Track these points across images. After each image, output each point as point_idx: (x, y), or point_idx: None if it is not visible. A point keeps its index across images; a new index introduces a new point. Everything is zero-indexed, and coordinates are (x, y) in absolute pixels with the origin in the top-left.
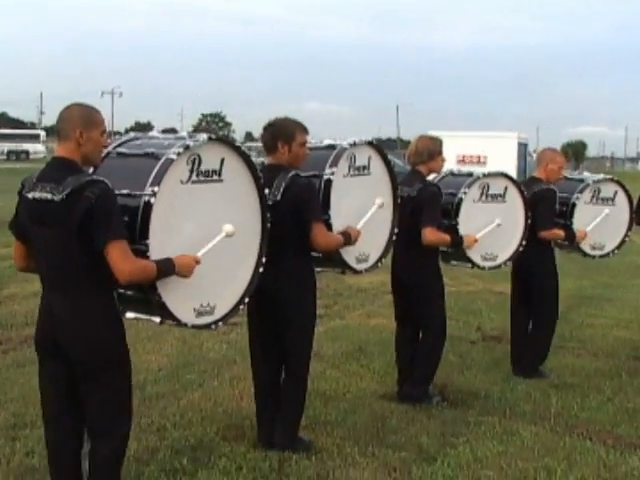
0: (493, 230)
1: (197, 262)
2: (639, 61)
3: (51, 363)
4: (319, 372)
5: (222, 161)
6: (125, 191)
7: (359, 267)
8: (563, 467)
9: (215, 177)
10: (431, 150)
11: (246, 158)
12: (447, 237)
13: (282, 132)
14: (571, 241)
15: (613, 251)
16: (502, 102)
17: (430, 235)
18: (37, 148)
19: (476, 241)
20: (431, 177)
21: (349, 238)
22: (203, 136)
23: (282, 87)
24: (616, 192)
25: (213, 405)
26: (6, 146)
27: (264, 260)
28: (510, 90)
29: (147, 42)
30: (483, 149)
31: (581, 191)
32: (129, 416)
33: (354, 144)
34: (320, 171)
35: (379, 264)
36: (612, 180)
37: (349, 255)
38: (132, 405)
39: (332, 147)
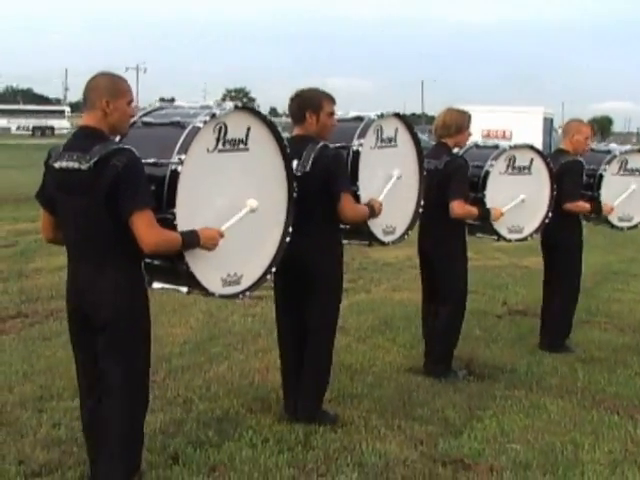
0: (518, 204)
1: (221, 236)
2: None
3: (80, 333)
4: (344, 346)
5: (248, 130)
6: (151, 160)
7: (386, 239)
8: (590, 441)
9: (241, 146)
10: (459, 123)
11: (272, 127)
12: (475, 210)
13: (310, 102)
14: (597, 214)
15: None
16: (527, 77)
17: (458, 208)
18: (62, 124)
19: (502, 214)
20: (455, 150)
21: (373, 210)
22: (229, 104)
23: (306, 62)
24: None
25: (239, 378)
26: (32, 122)
27: (291, 230)
28: (536, 65)
29: (171, 18)
30: (508, 124)
31: (608, 162)
32: (147, 388)
33: (381, 116)
34: (348, 142)
35: (406, 236)
36: (639, 151)
37: (376, 227)
38: (148, 376)
39: (360, 119)
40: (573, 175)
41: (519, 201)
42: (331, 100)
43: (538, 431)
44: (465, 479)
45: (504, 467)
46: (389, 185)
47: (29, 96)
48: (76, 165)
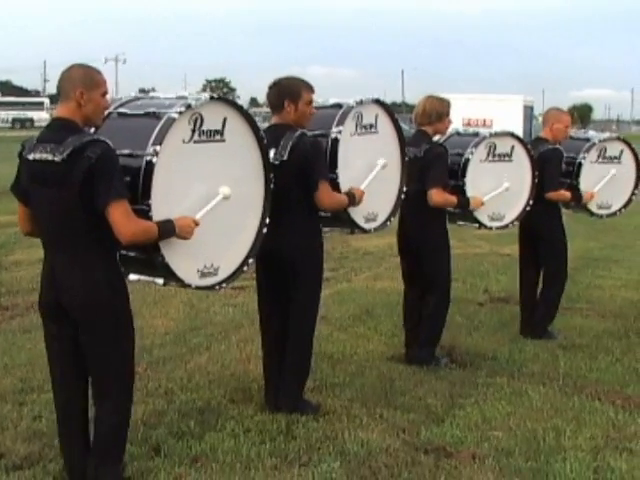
0: (501, 192)
1: (196, 224)
2: None
3: (55, 326)
4: (326, 335)
5: (224, 121)
6: (126, 151)
7: (368, 226)
8: (572, 427)
9: (217, 137)
10: (439, 111)
11: (248, 118)
12: (454, 198)
13: (288, 90)
14: (578, 201)
15: (620, 210)
16: (507, 65)
17: (436, 196)
18: (42, 116)
19: (482, 204)
20: (436, 138)
21: (353, 198)
22: (205, 95)
23: (286, 52)
24: (622, 151)
25: (220, 368)
26: (11, 114)
27: (268, 221)
28: (515, 53)
29: (150, 9)
30: (489, 112)
31: (587, 150)
32: (131, 379)
33: (361, 102)
34: (327, 130)
35: (388, 223)
36: (618, 139)
37: (358, 214)
38: (134, 369)
39: (338, 106)
40: (553, 163)
41: (503, 189)
42: (310, 89)
43: (520, 418)
44: (447, 467)
45: (486, 454)
46: (373, 174)
47: (8, 88)
48: (50, 157)
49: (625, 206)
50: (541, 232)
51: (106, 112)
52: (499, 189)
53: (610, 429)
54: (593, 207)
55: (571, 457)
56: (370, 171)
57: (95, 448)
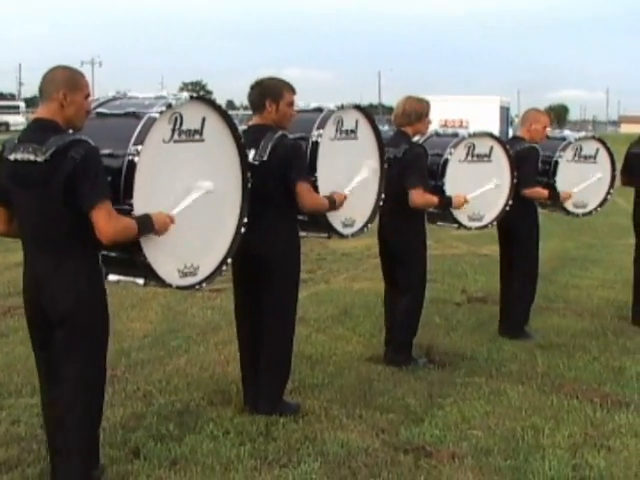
0: (487, 190)
1: (171, 220)
2: (619, 24)
3: (41, 330)
4: (304, 336)
5: (203, 120)
6: (107, 151)
7: (345, 231)
8: (550, 426)
9: (196, 137)
10: (419, 111)
11: (227, 118)
12: (434, 199)
13: (270, 91)
14: (555, 200)
15: (596, 209)
16: (483, 67)
17: (417, 197)
18: (17, 120)
19: (466, 201)
20: (415, 138)
21: (334, 203)
22: (185, 95)
23: (262, 54)
24: (597, 150)
25: (199, 370)
26: None
27: (246, 221)
28: (492, 55)
29: (127, 12)
30: (465, 113)
31: (563, 149)
32: (100, 385)
33: (341, 107)
34: (307, 133)
35: (365, 229)
36: (593, 138)
37: (335, 219)
38: (106, 371)
39: (319, 110)
40: (529, 162)
41: (492, 186)
42: (291, 90)
43: (499, 417)
44: (427, 466)
45: (465, 453)
46: (357, 180)
47: None
48: (32, 157)
49: (601, 205)
50: (516, 231)
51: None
52: (485, 186)
53: (588, 427)
54: (569, 206)
55: (550, 455)
56: (351, 176)
57: (63, 449)
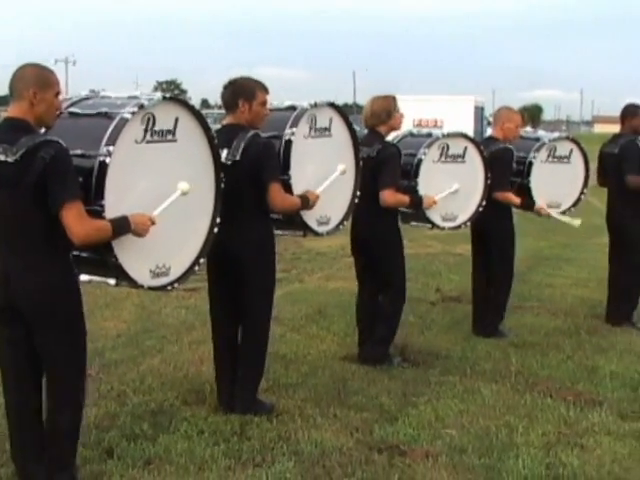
0: (453, 193)
1: (152, 222)
2: (593, 24)
3: (8, 328)
4: (279, 335)
5: (176, 121)
6: (79, 151)
7: (320, 230)
8: (524, 424)
9: (169, 137)
10: (387, 109)
11: (200, 118)
12: (406, 198)
13: (243, 90)
14: (528, 208)
15: (569, 209)
16: (458, 67)
17: (388, 197)
18: None
19: (435, 203)
20: (390, 137)
21: (307, 202)
22: (157, 95)
23: (237, 53)
24: (571, 150)
25: (173, 370)
26: None
27: (219, 221)
28: (466, 54)
29: (101, 11)
30: (440, 113)
31: (537, 149)
32: (84, 383)
33: (315, 105)
34: (280, 132)
35: (340, 227)
36: (567, 138)
37: (310, 218)
38: (86, 371)
39: (292, 108)
40: (503, 163)
41: (453, 190)
42: (264, 89)
43: (473, 415)
44: (401, 465)
45: (439, 452)
46: (331, 179)
47: None
48: (2, 157)
49: (574, 205)
50: (491, 232)
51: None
52: (450, 189)
53: (562, 425)
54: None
55: (523, 453)
56: (325, 175)
57: (49, 452)
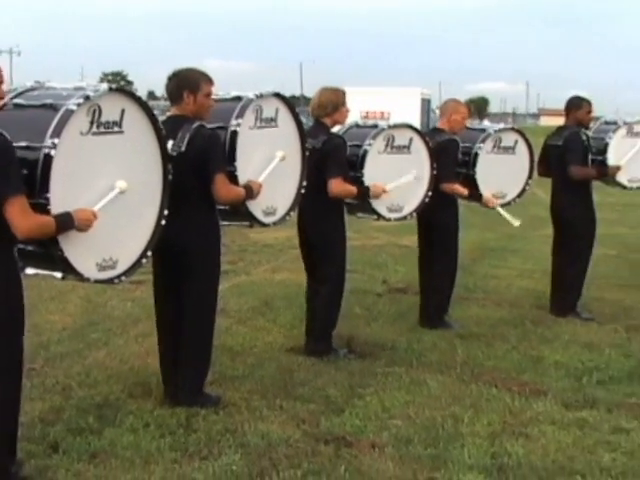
0: (407, 181)
1: (95, 216)
2: (538, 17)
3: None
4: (225, 328)
5: (122, 112)
6: (23, 143)
7: (267, 220)
8: (470, 414)
9: (116, 128)
10: (334, 102)
11: (147, 109)
12: (353, 188)
13: (187, 81)
14: (475, 198)
15: (514, 200)
16: (405, 59)
17: (336, 187)
18: None
19: (385, 191)
20: (336, 129)
21: (251, 191)
22: (103, 86)
23: (184, 45)
24: (516, 141)
25: (119, 363)
26: None
27: (166, 213)
28: (413, 47)
29: (47, 0)
30: (387, 104)
31: (483, 140)
32: (19, 378)
33: (261, 96)
34: (226, 123)
35: (287, 217)
36: (513, 129)
37: (256, 208)
38: (23, 364)
39: (238, 98)
40: (449, 154)
41: (411, 177)
42: (209, 81)
43: (419, 406)
44: (347, 456)
45: (386, 443)
46: (271, 166)
47: None
48: None
49: (519, 196)
50: (436, 223)
51: (1, 103)
52: (404, 178)
53: (507, 415)
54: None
55: (469, 443)
56: (269, 164)
57: None
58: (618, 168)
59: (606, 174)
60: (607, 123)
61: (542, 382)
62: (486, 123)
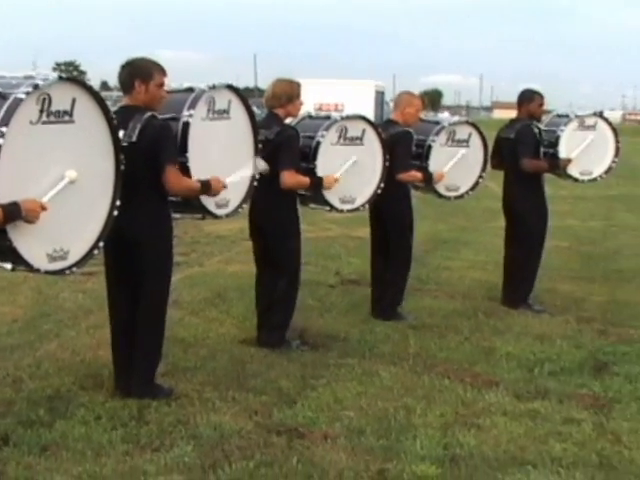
0: (353, 171)
1: (43, 207)
2: (492, 10)
3: None
4: (177, 319)
5: (73, 101)
6: None
7: (219, 212)
8: (422, 405)
9: (66, 118)
10: (289, 93)
11: (98, 98)
12: (306, 180)
13: (140, 70)
14: (428, 183)
15: (467, 192)
16: (359, 51)
17: (289, 178)
18: None
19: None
20: (288, 120)
21: (209, 188)
22: (53, 75)
23: (136, 35)
24: (470, 134)
25: (70, 355)
26: None
27: (118, 203)
28: (368, 39)
29: None
30: (341, 97)
31: (437, 133)
32: None
33: (213, 87)
34: (178, 114)
35: (240, 210)
36: (467, 122)
37: (209, 200)
38: None
39: (191, 90)
40: (404, 146)
41: (351, 163)
42: (162, 71)
43: (371, 397)
44: (300, 447)
45: (338, 434)
46: (242, 175)
47: None
48: None
49: (472, 188)
50: (389, 214)
51: None
52: (348, 162)
53: (459, 406)
54: (441, 189)
55: (421, 434)
56: (232, 161)
57: None
58: (569, 161)
59: (557, 167)
60: (559, 116)
61: (494, 373)
62: (440, 116)
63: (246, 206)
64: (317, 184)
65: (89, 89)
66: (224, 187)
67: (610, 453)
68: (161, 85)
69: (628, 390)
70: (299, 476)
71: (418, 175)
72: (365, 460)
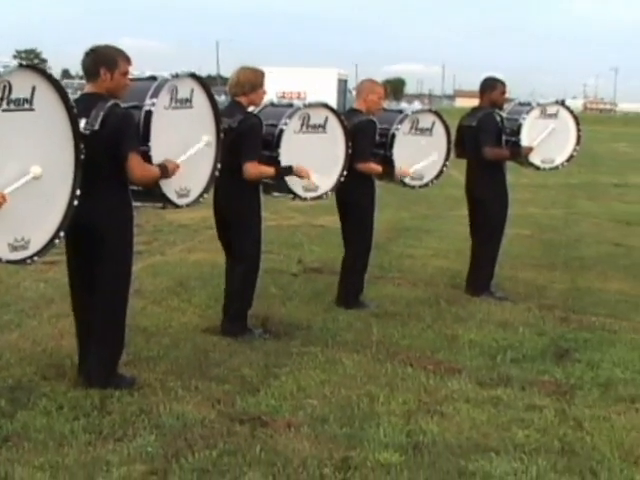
0: (317, 160)
1: (4, 199)
2: (455, 0)
3: None
4: (140, 308)
5: (33, 89)
6: None
7: (180, 202)
8: (385, 393)
9: (26, 106)
10: (253, 82)
11: (58, 87)
12: (270, 170)
13: (105, 58)
14: (390, 176)
15: (432, 181)
16: (322, 39)
17: (252, 169)
18: None
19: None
20: (251, 109)
21: (166, 171)
22: (14, 62)
23: (100, 23)
24: (434, 123)
25: (32, 345)
26: None
27: (79, 193)
28: (330, 27)
29: None
30: (303, 85)
31: (400, 122)
32: None
33: (176, 76)
34: (140, 102)
35: (201, 199)
36: (430, 111)
37: (170, 189)
38: None
39: (153, 78)
40: (366, 135)
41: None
42: (127, 59)
43: (334, 385)
44: (263, 436)
45: (301, 422)
46: (194, 149)
47: None
48: None
49: (437, 177)
50: (351, 202)
51: None
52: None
53: (422, 393)
54: (406, 178)
55: (385, 422)
56: (186, 145)
57: None
58: (531, 149)
59: (519, 155)
60: (521, 104)
61: (457, 361)
62: (404, 104)
63: (207, 196)
64: (284, 173)
65: (49, 77)
66: (177, 167)
67: (572, 439)
68: (126, 73)
69: (590, 377)
70: (262, 465)
71: (377, 168)
72: (329, 448)
